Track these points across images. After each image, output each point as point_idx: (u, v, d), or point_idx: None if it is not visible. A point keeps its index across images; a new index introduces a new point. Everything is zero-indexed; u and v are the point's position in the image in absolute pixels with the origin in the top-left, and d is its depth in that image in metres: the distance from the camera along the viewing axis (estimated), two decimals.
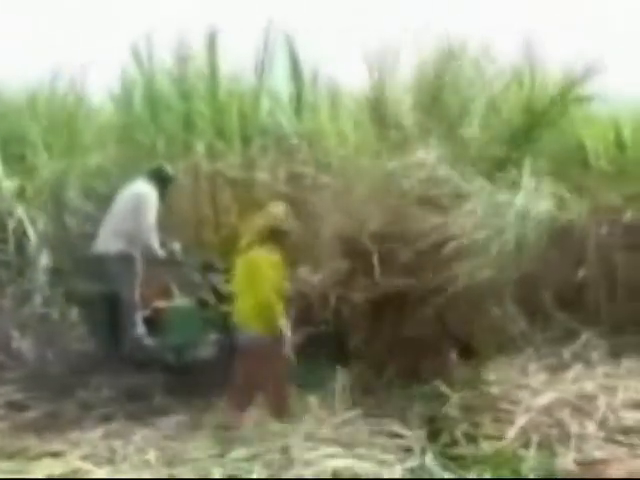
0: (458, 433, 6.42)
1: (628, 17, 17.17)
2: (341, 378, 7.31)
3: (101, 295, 7.97)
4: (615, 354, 9.00)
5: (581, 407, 7.16)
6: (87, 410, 7.22)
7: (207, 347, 8.01)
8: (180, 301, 8.11)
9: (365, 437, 6.15)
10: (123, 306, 7.80)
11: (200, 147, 9.19)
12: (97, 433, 6.47)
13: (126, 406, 7.26)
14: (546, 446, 6.16)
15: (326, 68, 10.00)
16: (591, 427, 6.60)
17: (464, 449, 6.17)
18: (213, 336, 7.99)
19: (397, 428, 6.35)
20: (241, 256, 6.48)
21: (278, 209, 6.57)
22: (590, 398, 7.43)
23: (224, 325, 7.35)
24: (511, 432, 6.42)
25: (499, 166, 8.51)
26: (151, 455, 5.73)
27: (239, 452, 5.56)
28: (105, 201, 8.69)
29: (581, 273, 10.00)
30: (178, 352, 7.94)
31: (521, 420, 6.67)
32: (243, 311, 6.44)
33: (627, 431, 6.53)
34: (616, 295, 10.08)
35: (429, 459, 5.71)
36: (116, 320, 7.86)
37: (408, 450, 5.90)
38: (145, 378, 7.81)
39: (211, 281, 8.15)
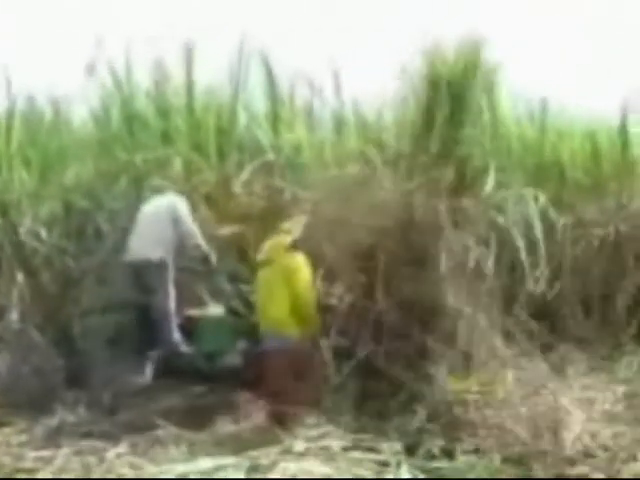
0: (435, 447, 6.38)
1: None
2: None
3: (137, 302, 8.11)
4: (591, 367, 9.00)
5: (557, 421, 7.16)
6: (61, 427, 7.17)
7: (236, 355, 8.04)
8: (213, 309, 8.30)
9: (341, 451, 6.14)
10: (159, 313, 7.97)
11: (177, 162, 9.18)
12: (70, 450, 6.42)
13: (101, 423, 7.21)
14: (522, 461, 6.14)
15: (302, 82, 10.04)
16: (567, 441, 6.58)
17: (441, 463, 6.13)
18: (241, 344, 8.06)
19: (373, 442, 6.33)
20: (270, 263, 6.70)
21: (300, 221, 6.89)
22: (566, 412, 7.44)
23: (252, 334, 7.50)
24: (487, 446, 6.38)
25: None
26: (125, 471, 5.71)
27: (207, 463, 5.58)
28: (84, 216, 8.70)
29: (557, 286, 9.99)
30: (210, 360, 8.01)
31: (498, 434, 6.66)
32: (277, 316, 6.61)
33: (603, 446, 6.51)
34: (592, 308, 10.11)
35: (405, 472, 5.70)
36: (151, 327, 8.03)
37: (384, 464, 5.90)
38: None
39: (240, 290, 8.33)
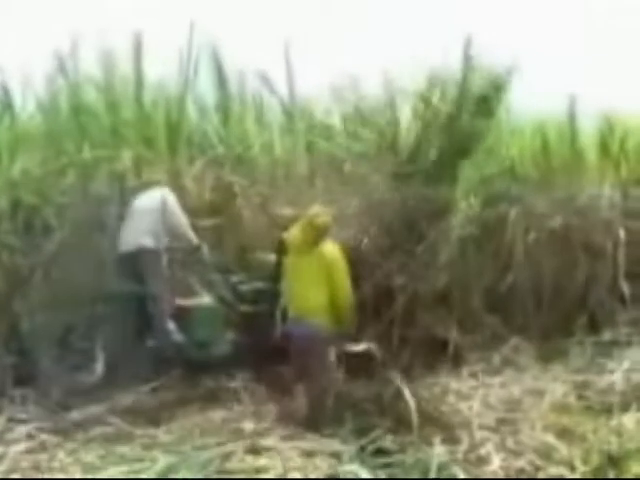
0: (388, 441, 6.37)
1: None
2: None
3: (132, 291, 8.21)
4: (543, 359, 9.08)
5: (510, 412, 7.22)
6: (13, 424, 7.05)
7: (225, 345, 8.26)
8: (204, 300, 8.42)
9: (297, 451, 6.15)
10: (154, 301, 8.14)
11: (127, 156, 9.06)
12: (21, 447, 6.35)
13: (51, 420, 7.11)
14: (474, 452, 6.17)
15: (253, 76, 9.99)
16: (521, 432, 6.63)
17: (393, 458, 6.12)
18: (230, 334, 8.28)
19: (328, 441, 6.34)
20: (307, 247, 6.78)
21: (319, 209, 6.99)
22: (518, 402, 7.51)
23: (242, 324, 7.85)
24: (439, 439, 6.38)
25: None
26: (75, 469, 5.64)
27: (169, 459, 5.54)
28: (32, 211, 8.59)
29: (509, 278, 10.06)
30: (201, 349, 8.19)
31: (450, 427, 6.68)
32: (312, 303, 6.70)
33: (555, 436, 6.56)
34: (543, 300, 10.19)
35: (357, 467, 5.69)
36: (145, 315, 8.18)
37: (338, 459, 5.92)
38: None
39: (230, 281, 8.47)
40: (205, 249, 8.46)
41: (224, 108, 9.84)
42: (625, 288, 10.89)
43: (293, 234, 7.06)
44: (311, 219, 6.88)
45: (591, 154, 11.85)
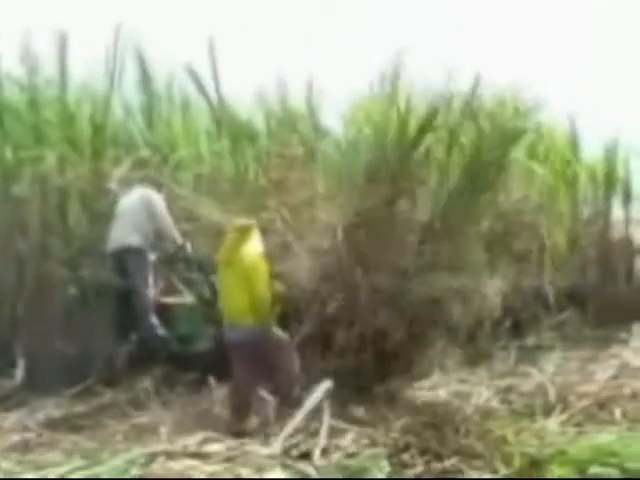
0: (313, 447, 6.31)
1: None
2: None
3: (119, 288, 8.46)
4: (469, 363, 9.15)
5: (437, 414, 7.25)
6: None
7: (207, 340, 8.27)
8: (186, 297, 8.62)
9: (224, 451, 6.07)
10: (139, 297, 8.34)
11: (50, 157, 8.89)
12: None
13: None
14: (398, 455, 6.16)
15: (180, 75, 9.89)
16: (447, 434, 6.64)
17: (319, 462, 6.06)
18: (210, 330, 8.26)
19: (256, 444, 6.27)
20: (229, 258, 6.96)
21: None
22: (445, 405, 7.55)
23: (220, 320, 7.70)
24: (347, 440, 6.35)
25: None
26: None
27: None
28: None
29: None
30: (183, 344, 8.38)
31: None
32: (237, 308, 6.88)
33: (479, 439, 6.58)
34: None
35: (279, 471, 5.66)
36: (131, 310, 8.41)
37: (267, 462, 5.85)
38: None
39: (210, 279, 8.42)
40: (189, 248, 8.58)
41: (150, 109, 9.70)
42: (549, 293, 11.07)
43: (223, 245, 7.21)
44: (233, 227, 7.09)
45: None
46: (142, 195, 8.54)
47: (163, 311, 8.47)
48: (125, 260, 8.38)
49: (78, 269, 8.77)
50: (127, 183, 8.74)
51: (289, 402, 6.87)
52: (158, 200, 8.51)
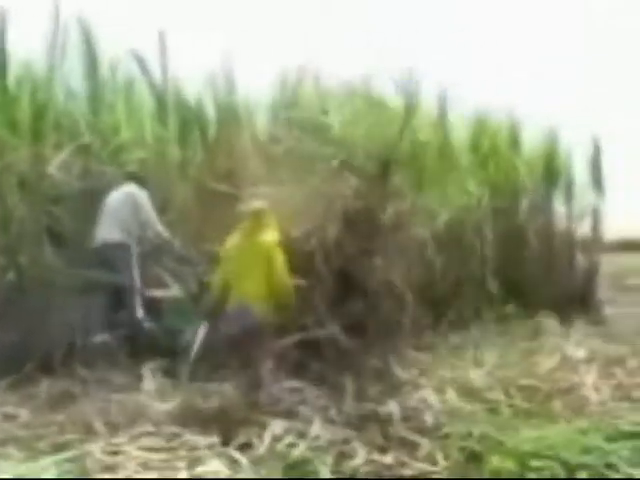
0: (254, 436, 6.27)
1: None
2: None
3: (105, 282, 8.65)
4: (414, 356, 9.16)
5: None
6: None
7: (192, 333, 8.27)
8: (174, 290, 8.84)
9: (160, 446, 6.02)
10: (125, 291, 8.62)
11: None
12: None
13: None
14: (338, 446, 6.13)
15: (125, 60, 9.73)
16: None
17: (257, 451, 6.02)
18: (198, 322, 8.30)
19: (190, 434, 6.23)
20: (248, 241, 7.07)
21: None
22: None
23: (208, 313, 7.83)
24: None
25: None
26: None
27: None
28: None
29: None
30: (172, 337, 8.40)
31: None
32: (254, 291, 6.93)
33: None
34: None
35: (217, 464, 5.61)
36: (118, 304, 8.66)
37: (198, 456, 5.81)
38: None
39: (197, 272, 8.80)
40: (176, 243, 8.94)
41: (93, 92, 9.50)
42: (492, 286, 11.16)
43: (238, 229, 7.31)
44: (249, 212, 7.23)
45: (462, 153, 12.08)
46: (126, 192, 8.80)
47: (152, 305, 8.72)
48: (109, 255, 8.67)
49: (16, 255, 8.57)
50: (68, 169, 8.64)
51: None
52: (142, 197, 8.79)
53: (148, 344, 8.36)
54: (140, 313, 8.63)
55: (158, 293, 8.85)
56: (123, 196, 8.78)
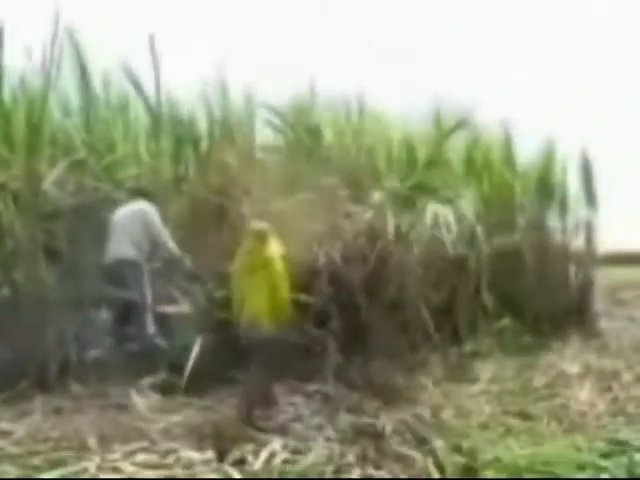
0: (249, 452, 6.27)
1: None
2: None
3: (116, 298, 8.68)
4: (407, 370, 9.14)
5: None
6: None
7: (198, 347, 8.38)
8: (184, 307, 8.93)
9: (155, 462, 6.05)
10: (136, 307, 8.60)
11: None
12: None
13: None
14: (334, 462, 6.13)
15: (119, 74, 9.73)
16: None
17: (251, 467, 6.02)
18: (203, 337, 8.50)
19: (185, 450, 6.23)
20: (251, 263, 7.21)
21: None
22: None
23: (216, 328, 8.21)
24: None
25: None
26: None
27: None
28: None
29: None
30: (181, 352, 8.38)
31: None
32: (260, 309, 7.11)
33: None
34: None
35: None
36: (126, 319, 8.67)
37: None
38: None
39: (206, 288, 8.95)
40: (187, 260, 8.89)
41: (87, 108, 9.49)
42: (487, 300, 11.15)
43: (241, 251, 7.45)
44: (250, 233, 7.37)
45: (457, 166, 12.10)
46: (137, 208, 8.79)
47: (162, 321, 8.75)
48: (121, 272, 8.61)
49: (11, 271, 8.56)
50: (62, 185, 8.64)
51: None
52: (153, 213, 8.79)
53: (155, 359, 8.40)
54: (151, 329, 8.65)
55: (169, 309, 8.90)
56: (133, 212, 8.78)
